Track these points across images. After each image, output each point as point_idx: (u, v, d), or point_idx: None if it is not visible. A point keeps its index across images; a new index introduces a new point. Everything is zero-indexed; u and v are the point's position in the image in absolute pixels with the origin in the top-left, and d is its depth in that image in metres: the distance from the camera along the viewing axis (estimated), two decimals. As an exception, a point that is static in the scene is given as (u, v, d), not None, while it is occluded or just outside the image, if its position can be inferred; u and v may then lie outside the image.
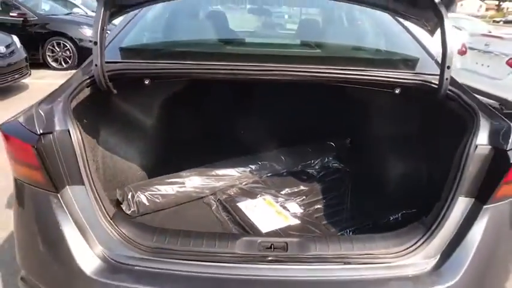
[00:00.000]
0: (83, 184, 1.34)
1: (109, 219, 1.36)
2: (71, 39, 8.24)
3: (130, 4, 1.70)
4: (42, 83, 7.18)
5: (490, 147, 1.37)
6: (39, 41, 8.09)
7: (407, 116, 2.09)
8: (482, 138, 1.38)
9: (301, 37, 2.71)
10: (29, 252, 1.43)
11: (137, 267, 1.30)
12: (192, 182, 2.02)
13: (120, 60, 1.72)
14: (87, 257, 1.30)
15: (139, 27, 2.12)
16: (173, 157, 2.31)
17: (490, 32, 7.17)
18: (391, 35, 2.23)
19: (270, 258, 1.33)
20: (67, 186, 1.35)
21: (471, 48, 5.89)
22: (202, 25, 2.54)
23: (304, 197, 2.07)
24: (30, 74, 6.68)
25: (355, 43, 2.38)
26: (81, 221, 1.33)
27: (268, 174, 2.29)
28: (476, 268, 1.32)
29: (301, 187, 2.14)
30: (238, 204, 1.94)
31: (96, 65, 1.48)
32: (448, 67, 1.53)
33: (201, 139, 2.50)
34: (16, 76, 6.21)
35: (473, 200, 1.37)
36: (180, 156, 2.29)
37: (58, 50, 8.27)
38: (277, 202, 1.99)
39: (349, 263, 1.34)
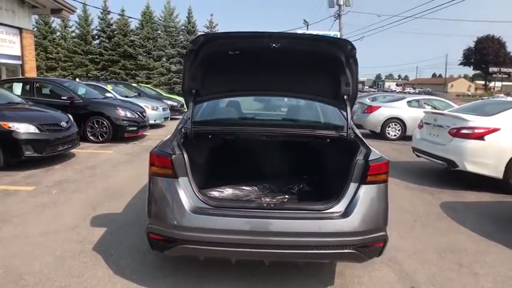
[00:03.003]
0: (187, 176, 2.91)
1: (197, 191, 2.90)
2: (108, 118, 10.03)
3: (201, 101, 3.62)
4: (84, 152, 8.84)
5: (363, 160, 2.94)
6: (82, 119, 9.69)
7: (335, 152, 3.75)
8: (360, 156, 2.98)
9: (285, 116, 4.65)
10: (157, 208, 2.88)
11: (209, 211, 2.81)
12: (226, 192, 3.65)
13: (195, 127, 3.43)
14: (188, 205, 2.80)
15: (200, 111, 3.93)
16: (216, 178, 3.91)
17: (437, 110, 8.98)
18: (333, 115, 3.96)
19: (268, 207, 2.88)
20: (180, 177, 2.89)
21: (426, 123, 7.59)
22: (231, 109, 4.42)
23: (287, 200, 3.61)
24: (79, 145, 8.37)
25: (314, 119, 4.28)
26: (185, 191, 2.86)
27: (268, 191, 3.85)
28: (359, 211, 2.80)
29: (286, 196, 3.68)
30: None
31: (188, 128, 3.23)
32: (350, 128, 3.34)
33: (231, 169, 4.14)
34: (70, 146, 7.88)
35: (357, 183, 2.90)
36: (219, 178, 3.92)
37: (97, 126, 10.04)
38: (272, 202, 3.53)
39: (303, 210, 2.87)
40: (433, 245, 4.26)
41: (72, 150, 8.39)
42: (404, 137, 12.47)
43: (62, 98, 9.89)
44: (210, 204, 2.85)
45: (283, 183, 3.99)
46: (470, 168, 6.32)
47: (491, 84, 75.77)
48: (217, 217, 2.76)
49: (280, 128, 3.66)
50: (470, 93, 78.25)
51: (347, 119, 3.37)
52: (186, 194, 2.84)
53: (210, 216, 2.76)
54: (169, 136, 3.36)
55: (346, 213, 2.80)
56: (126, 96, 13.70)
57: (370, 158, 2.93)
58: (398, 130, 12.68)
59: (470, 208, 5.66)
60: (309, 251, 2.77)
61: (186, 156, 2.94)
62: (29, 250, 3.74)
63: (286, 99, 5.76)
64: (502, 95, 52.83)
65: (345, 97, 3.35)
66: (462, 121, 6.48)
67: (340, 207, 2.85)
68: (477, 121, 6.37)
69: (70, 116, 8.22)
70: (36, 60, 30.18)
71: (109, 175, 6.89)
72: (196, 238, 2.75)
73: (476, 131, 6.25)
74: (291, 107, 4.82)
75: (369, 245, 2.85)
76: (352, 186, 2.89)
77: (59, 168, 7.25)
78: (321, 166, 4.10)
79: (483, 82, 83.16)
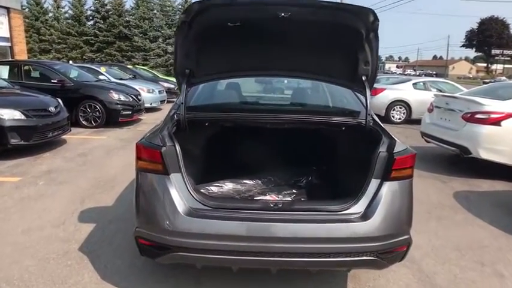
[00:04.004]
0: (180, 172, 2.51)
1: (192, 190, 2.50)
2: (101, 102, 9.56)
3: (196, 82, 3.11)
4: (76, 138, 8.44)
5: (386, 152, 2.54)
6: (74, 103, 9.24)
7: (350, 142, 3.34)
8: (383, 148, 2.56)
9: (292, 99, 4.10)
10: (146, 209, 2.49)
11: (206, 213, 2.42)
12: (226, 187, 3.24)
13: (190, 113, 2.98)
14: (181, 207, 2.41)
15: (196, 94, 3.47)
16: (215, 171, 3.50)
17: (450, 94, 8.50)
18: (347, 98, 3.52)
19: (275, 208, 2.48)
20: (172, 173, 2.49)
21: (437, 107, 7.16)
22: (230, 92, 3.92)
23: (294, 195, 3.22)
24: (70, 131, 7.95)
25: (324, 103, 3.79)
26: (178, 190, 2.46)
27: (273, 185, 3.45)
28: (382, 213, 2.42)
29: (294, 191, 3.28)
30: (255, 198, 3.10)
31: (181, 114, 2.75)
32: (369, 114, 2.87)
33: (232, 161, 3.72)
34: (60, 132, 7.45)
35: (379, 180, 2.51)
36: (219, 171, 3.51)
37: (89, 111, 9.58)
38: (278, 197, 3.13)
39: (315, 211, 2.47)
40: (450, 241, 3.92)
41: (64, 137, 7.96)
42: (409, 120, 12.08)
43: (52, 81, 9.40)
44: (208, 204, 2.46)
45: (289, 176, 3.59)
46: (485, 155, 5.94)
47: (493, 66, 74.86)
48: (216, 220, 2.36)
49: (287, 114, 3.20)
50: (471, 76, 77.38)
51: (366, 104, 2.91)
52: (179, 193, 2.45)
53: (208, 219, 2.37)
54: (159, 124, 2.93)
55: (366, 215, 2.42)
56: (121, 79, 13.18)
57: (395, 149, 2.52)
58: (403, 113, 12.26)
59: (485, 198, 5.31)
60: (323, 259, 2.39)
61: (178, 148, 2.53)
62: (9, 252, 3.38)
63: (286, 80, 5.31)
64: (504, 77, 52.23)
65: (363, 78, 2.89)
66: (477, 105, 6.06)
67: (359, 207, 2.46)
68: (493, 105, 5.95)
69: (59, 101, 7.77)
70: (29, 43, 29.68)
71: (101, 163, 6.50)
72: (191, 245, 2.36)
73: (492, 115, 5.84)
74: (299, 90, 4.34)
75: (391, 251, 2.49)
76: (373, 182, 2.50)
77: (48, 156, 6.85)
78: (333, 157, 3.69)
79: (484, 64, 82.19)
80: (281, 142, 3.74)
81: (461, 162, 6.74)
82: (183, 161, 2.53)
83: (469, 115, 6.11)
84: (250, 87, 4.72)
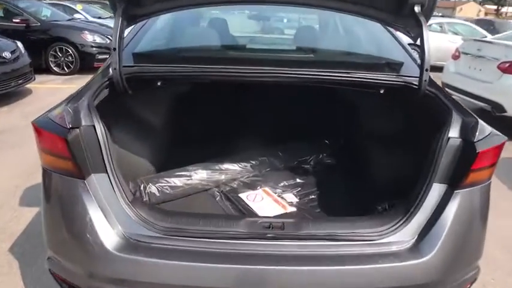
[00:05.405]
0: (106, 172, 1.51)
1: (128, 202, 1.51)
2: (72, 44, 8.33)
3: (142, 14, 1.86)
4: (45, 87, 7.34)
5: (460, 139, 1.53)
6: (42, 46, 8.15)
7: (391, 114, 2.26)
8: (454, 131, 1.54)
9: (296, 43, 2.80)
10: (56, 234, 1.56)
11: (153, 245, 1.44)
12: (198, 175, 2.18)
13: (135, 64, 1.86)
14: (109, 235, 1.43)
15: (150, 34, 2.26)
16: (180, 153, 2.44)
17: (484, 37, 7.30)
18: (379, 41, 2.36)
19: (269, 235, 1.47)
20: (92, 174, 1.50)
21: (464, 53, 6.03)
22: (206, 32, 2.69)
23: (299, 188, 2.23)
24: (34, 79, 6.82)
25: (345, 48, 2.53)
26: (103, 204, 1.47)
27: (267, 169, 2.45)
28: (448, 245, 1.46)
29: (298, 180, 2.30)
30: (239, 194, 2.11)
31: (115, 69, 1.66)
32: (427, 70, 1.70)
33: (206, 137, 2.64)
34: (20, 81, 6.35)
35: (446, 186, 1.52)
36: (186, 152, 2.43)
37: (60, 55, 8.37)
38: (275, 193, 2.15)
39: (337, 240, 1.48)
40: (493, 234, 3.01)
41: (30, 86, 6.88)
42: (421, 67, 10.89)
43: (14, 20, 8.11)
44: (156, 228, 1.47)
45: (291, 155, 2.56)
46: (524, 114, 4.95)
47: (504, 9, 71.45)
48: (168, 261, 1.38)
49: (291, 67, 1.87)
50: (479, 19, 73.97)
51: (423, 52, 1.69)
52: (104, 209, 1.47)
53: (154, 258, 1.39)
54: (81, 87, 1.80)
55: (420, 248, 1.44)
56: (99, 18, 11.74)
57: (477, 136, 1.51)
58: (416, 59, 11.04)
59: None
60: None
61: (101, 129, 1.52)
62: None
63: (286, 19, 4.08)
64: (514, 21, 49.71)
65: (416, 9, 1.72)
66: (520, 52, 4.96)
67: (408, 232, 1.48)
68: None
69: (19, 44, 6.60)
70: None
71: (65, 121, 5.46)
72: None
73: (539, 65, 4.78)
74: (304, 29, 3.12)
75: None
76: (436, 190, 1.51)
77: (5, 111, 5.80)
78: (356, 132, 2.63)
79: (494, 7, 78.63)
80: (279, 107, 2.68)
81: (491, 121, 5.73)
82: (112, 151, 1.52)
83: (507, 64, 5.03)
84: (237, 25, 3.45)
